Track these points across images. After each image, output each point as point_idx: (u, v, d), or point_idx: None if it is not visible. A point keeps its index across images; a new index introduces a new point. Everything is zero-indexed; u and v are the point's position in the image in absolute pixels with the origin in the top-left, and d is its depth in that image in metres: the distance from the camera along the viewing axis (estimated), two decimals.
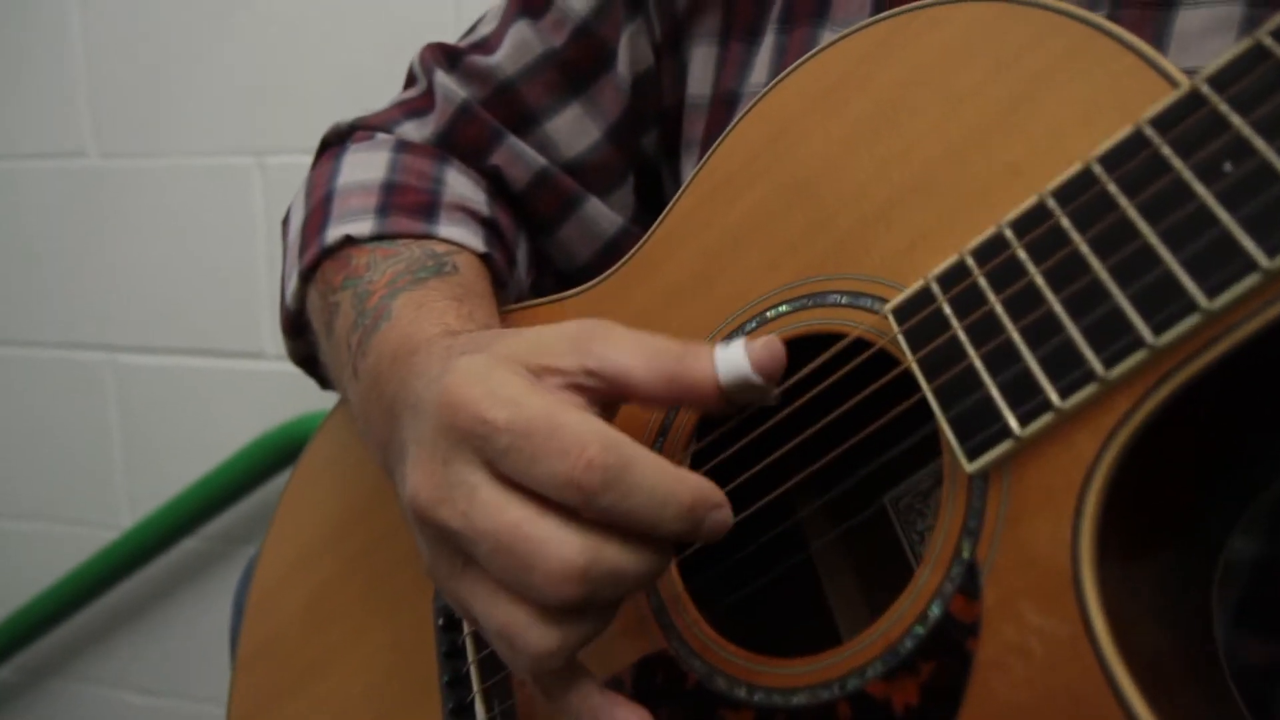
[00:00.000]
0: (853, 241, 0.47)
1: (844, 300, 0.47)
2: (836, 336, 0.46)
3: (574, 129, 0.73)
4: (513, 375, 0.41)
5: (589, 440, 0.38)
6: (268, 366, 1.47)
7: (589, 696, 0.44)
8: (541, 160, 0.72)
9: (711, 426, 0.51)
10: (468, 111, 0.71)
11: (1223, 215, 0.35)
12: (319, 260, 0.66)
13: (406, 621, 0.64)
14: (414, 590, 0.63)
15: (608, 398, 0.43)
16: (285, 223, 0.74)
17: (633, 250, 0.58)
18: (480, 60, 0.72)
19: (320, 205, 0.68)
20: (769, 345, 0.43)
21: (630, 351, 0.43)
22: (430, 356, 0.48)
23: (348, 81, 1.31)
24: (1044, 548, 0.37)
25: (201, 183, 1.46)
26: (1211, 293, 0.34)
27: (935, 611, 0.40)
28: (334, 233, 0.65)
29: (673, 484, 0.39)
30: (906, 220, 0.46)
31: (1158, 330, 0.35)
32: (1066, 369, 0.37)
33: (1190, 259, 0.35)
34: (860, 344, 0.46)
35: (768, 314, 0.49)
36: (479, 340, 0.47)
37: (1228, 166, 0.36)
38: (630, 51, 0.71)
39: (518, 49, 0.72)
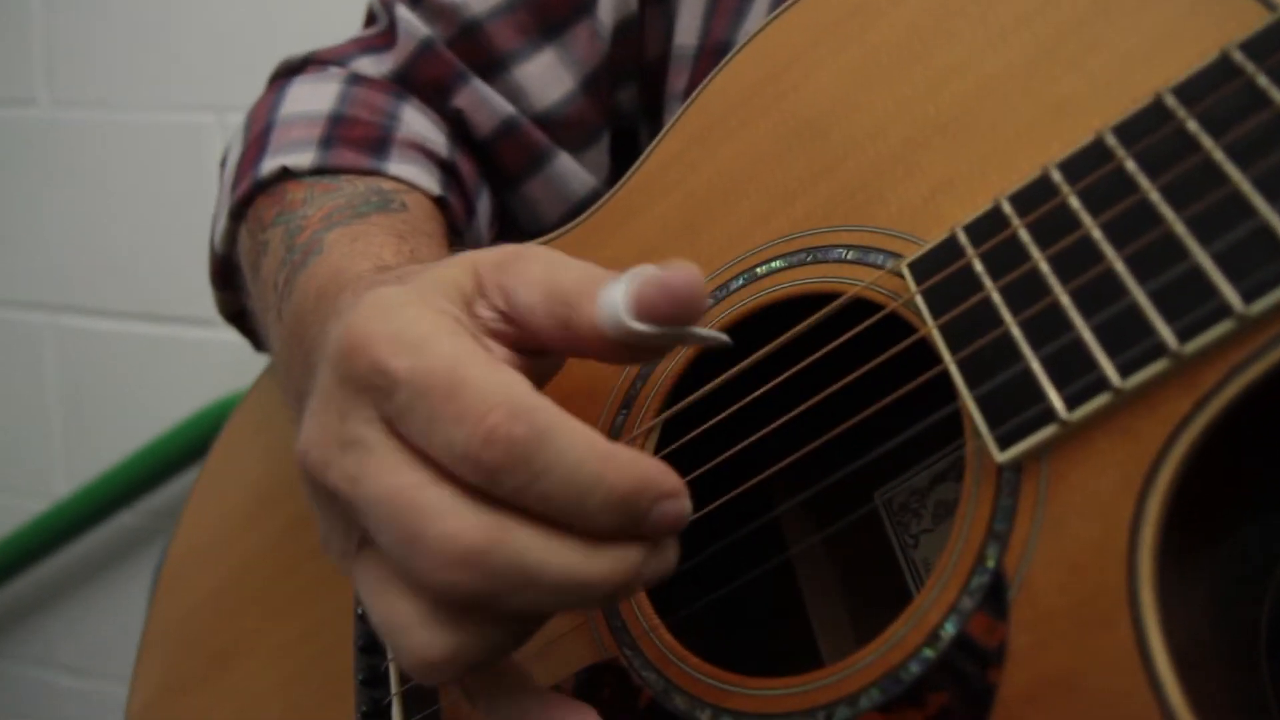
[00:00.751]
0: (864, 188, 0.40)
1: (849, 255, 0.40)
2: (837, 298, 0.39)
3: (546, 77, 0.65)
4: (428, 311, 0.33)
5: (493, 404, 0.30)
6: (219, 335, 1.39)
7: (521, 701, 0.36)
8: (509, 108, 0.64)
9: (685, 397, 0.43)
10: (430, 49, 0.64)
11: None
12: (252, 195, 0.59)
13: (326, 609, 0.56)
14: (336, 575, 0.56)
15: (525, 345, 0.36)
16: (223, 163, 0.66)
17: (607, 195, 0.50)
18: None
19: (259, 138, 0.61)
20: (663, 282, 0.33)
21: (535, 289, 0.35)
22: (355, 295, 0.40)
23: (317, 36, 1.23)
24: (1092, 559, 0.30)
25: (159, 138, 1.38)
26: None
27: (949, 631, 0.33)
28: (270, 164, 0.58)
29: (598, 465, 0.30)
30: (931, 164, 0.38)
31: (1249, 296, 0.28)
32: (1129, 341, 0.30)
33: None
34: (866, 307, 0.38)
35: (758, 270, 0.42)
36: (406, 272, 0.40)
37: None
38: None
39: None
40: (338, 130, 0.60)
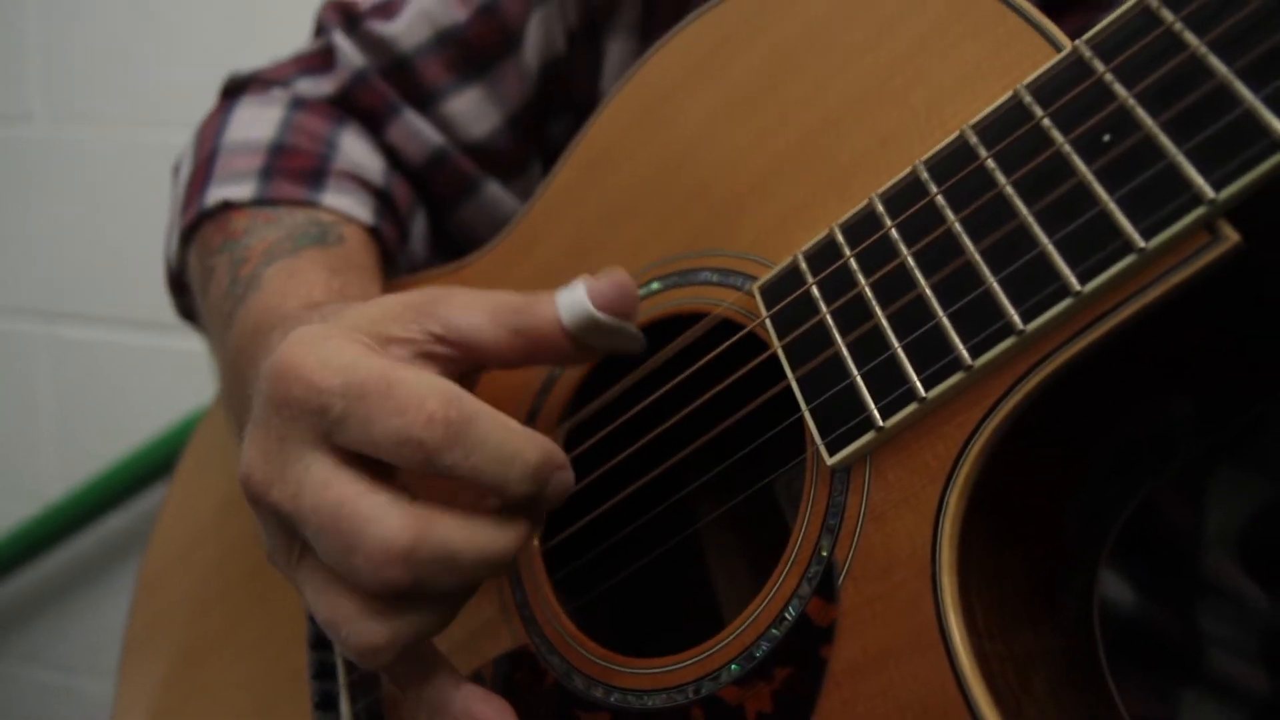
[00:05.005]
0: (726, 215, 0.44)
1: (714, 278, 0.44)
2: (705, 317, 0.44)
3: (474, 112, 0.68)
4: (349, 343, 0.38)
5: (427, 394, 0.35)
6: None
7: (444, 689, 0.41)
8: (438, 139, 0.68)
9: (582, 408, 0.48)
10: (364, 80, 0.67)
11: (1101, 193, 0.32)
12: (198, 222, 0.63)
13: (282, 608, 0.60)
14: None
15: (461, 364, 0.41)
16: (175, 170, 0.70)
17: (511, 224, 0.55)
18: (379, 28, 0.68)
19: (205, 163, 0.65)
20: (613, 279, 0.41)
21: (473, 310, 0.41)
22: (284, 333, 0.45)
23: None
24: (904, 548, 0.35)
25: (151, 153, 1.38)
26: (1084, 277, 0.32)
27: (791, 614, 0.37)
28: (213, 195, 0.62)
29: (519, 440, 0.37)
30: (783, 191, 0.43)
31: (1027, 316, 0.33)
32: (933, 357, 0.35)
33: (1065, 240, 0.33)
34: (735, 324, 0.43)
35: (639, 292, 0.46)
36: (327, 311, 0.44)
37: (1108, 138, 0.33)
38: (540, 36, 0.66)
39: (418, 19, 0.67)
40: (277, 161, 0.63)
